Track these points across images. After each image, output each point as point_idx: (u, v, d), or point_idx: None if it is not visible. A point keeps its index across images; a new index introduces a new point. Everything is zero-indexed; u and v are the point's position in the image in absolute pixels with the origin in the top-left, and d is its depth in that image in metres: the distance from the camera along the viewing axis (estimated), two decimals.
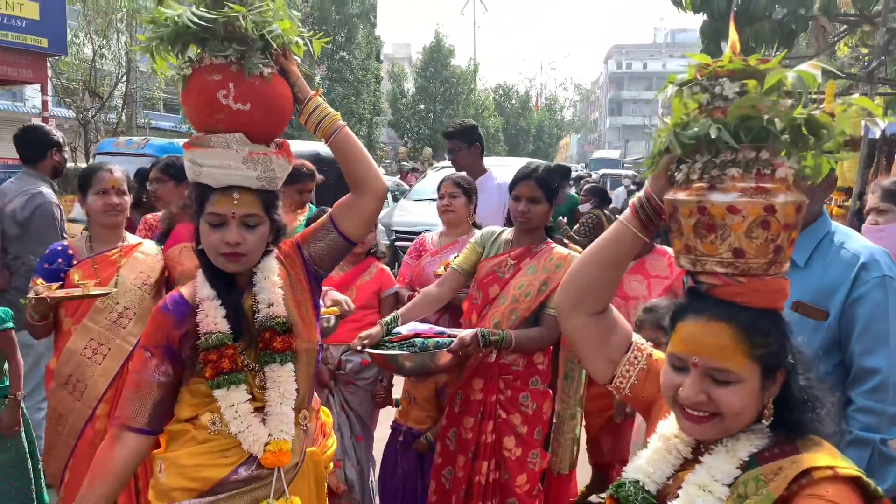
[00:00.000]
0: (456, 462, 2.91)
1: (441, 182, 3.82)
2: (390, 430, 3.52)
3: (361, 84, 17.76)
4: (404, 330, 2.87)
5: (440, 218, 3.82)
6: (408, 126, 25.90)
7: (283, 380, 1.80)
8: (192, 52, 1.76)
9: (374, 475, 3.61)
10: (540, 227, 2.95)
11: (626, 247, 1.41)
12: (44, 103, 10.36)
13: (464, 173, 3.89)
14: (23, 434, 3.07)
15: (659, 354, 1.44)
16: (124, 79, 15.76)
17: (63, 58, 12.58)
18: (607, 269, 1.43)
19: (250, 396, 1.77)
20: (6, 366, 3.05)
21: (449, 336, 2.79)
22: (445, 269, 3.36)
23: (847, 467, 1.14)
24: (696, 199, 1.20)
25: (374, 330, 2.87)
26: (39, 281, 2.54)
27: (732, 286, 1.21)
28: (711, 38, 6.40)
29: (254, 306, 1.81)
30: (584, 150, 60.16)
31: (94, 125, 15.59)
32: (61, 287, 2.57)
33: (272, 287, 1.83)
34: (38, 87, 10.72)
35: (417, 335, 2.82)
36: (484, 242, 3.07)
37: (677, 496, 1.23)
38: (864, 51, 8.33)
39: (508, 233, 3.04)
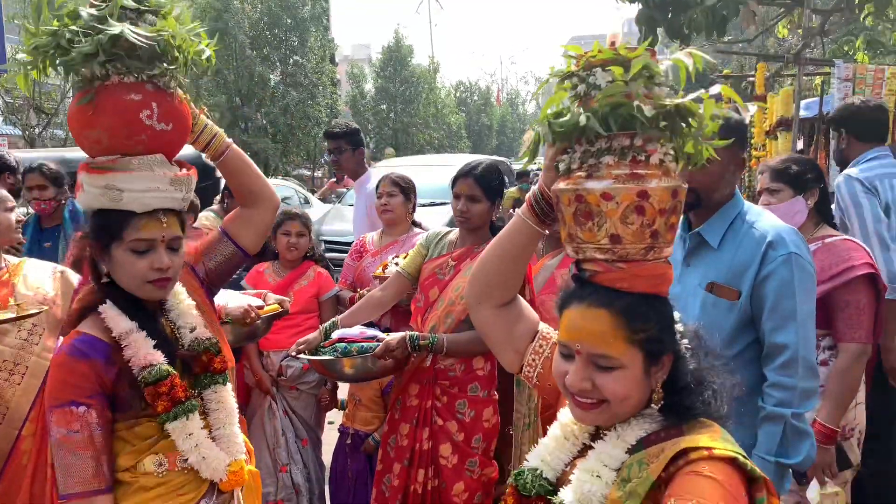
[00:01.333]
0: (392, 469, 2.85)
1: (379, 181, 3.80)
2: (338, 434, 3.52)
3: (317, 87, 17.64)
4: (336, 336, 2.83)
5: (379, 217, 3.82)
6: (369, 127, 25.83)
7: (225, 400, 1.77)
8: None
9: (325, 479, 3.61)
10: (482, 226, 2.87)
11: (524, 239, 1.43)
12: None
13: (398, 173, 3.88)
14: None
15: None
16: (70, 94, 15.45)
17: (5, 75, 12.30)
18: (508, 262, 1.45)
19: (203, 421, 1.73)
20: None
21: (379, 340, 2.73)
22: (384, 269, 3.35)
23: (724, 448, 1.15)
24: (574, 188, 1.23)
25: (312, 335, 2.83)
26: None
27: (612, 272, 1.23)
28: (648, 27, 6.49)
29: (174, 332, 1.76)
30: None
31: (41, 142, 15.28)
32: None
33: (188, 310, 1.79)
34: None
35: (342, 340, 2.78)
36: (429, 244, 3.01)
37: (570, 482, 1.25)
38: (785, 33, 8.49)
39: (454, 233, 2.98)
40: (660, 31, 6.76)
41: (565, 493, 1.24)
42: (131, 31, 1.56)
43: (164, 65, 1.64)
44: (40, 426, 2.60)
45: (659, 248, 1.23)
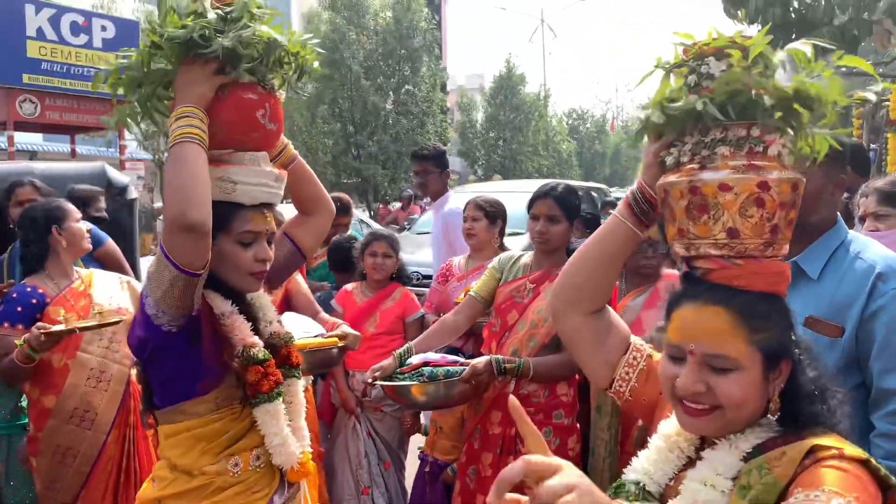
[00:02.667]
0: (475, 502, 2.76)
1: (465, 204, 3.77)
2: (419, 460, 3.45)
3: (427, 116, 18.04)
4: (416, 360, 2.77)
5: (466, 242, 3.76)
6: (478, 154, 26.07)
7: (297, 394, 1.82)
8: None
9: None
10: (560, 247, 2.82)
11: (620, 242, 1.37)
12: (121, 148, 11.04)
13: (489, 196, 3.82)
14: None
15: (658, 356, 1.38)
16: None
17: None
18: (603, 265, 1.39)
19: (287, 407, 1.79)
20: (25, 402, 3.10)
21: (462, 364, 2.68)
22: (465, 295, 3.31)
23: (854, 450, 1.06)
24: (688, 180, 1.17)
25: (387, 362, 2.77)
26: (11, 326, 2.59)
27: (729, 269, 1.16)
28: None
29: (255, 324, 1.78)
30: None
31: None
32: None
33: (268, 304, 1.84)
34: (116, 132, 11.44)
35: (426, 364, 2.72)
36: (502, 267, 2.96)
37: (679, 494, 1.16)
38: None
39: (528, 256, 2.93)
40: None
41: None
42: (274, 36, 1.67)
43: (281, 69, 1.74)
44: (121, 432, 2.72)
45: (778, 244, 1.17)
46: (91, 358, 2.68)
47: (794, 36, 6.45)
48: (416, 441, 3.84)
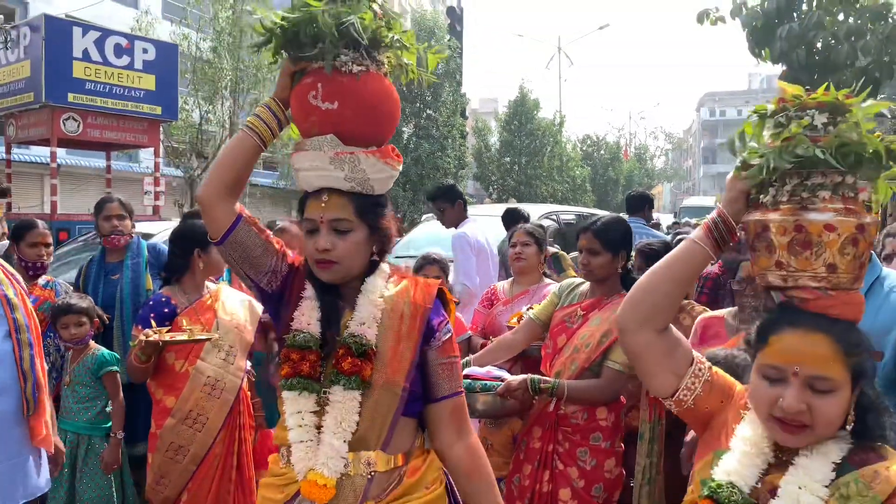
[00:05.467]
0: None
1: (513, 231, 3.99)
2: None
3: (447, 140, 18.32)
4: (464, 373, 2.91)
5: (511, 267, 3.96)
6: (493, 178, 26.25)
7: (343, 407, 1.62)
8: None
9: None
10: (606, 277, 2.95)
11: (696, 265, 1.50)
12: (156, 164, 11.31)
13: (534, 223, 4.05)
14: (121, 473, 3.36)
15: (717, 369, 1.54)
16: (227, 140, 16.96)
17: (173, 123, 13.71)
18: (678, 286, 1.50)
19: (317, 410, 1.65)
20: (109, 407, 3.36)
21: (502, 380, 2.84)
22: (518, 320, 3.44)
23: None
24: (793, 219, 1.33)
25: None
26: (143, 329, 2.85)
27: (824, 299, 1.32)
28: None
29: (346, 322, 1.71)
30: (678, 198, 58.78)
31: (199, 183, 16.74)
32: (169, 332, 2.88)
33: (370, 306, 1.70)
34: (150, 149, 11.72)
35: (467, 377, 2.85)
36: (561, 293, 3.13)
37: (772, 497, 1.32)
38: None
39: (586, 285, 3.07)
40: None
41: None
42: (274, 14, 1.67)
43: (319, 45, 1.63)
44: (228, 434, 2.94)
45: (861, 278, 1.35)
46: (208, 367, 2.93)
47: (815, 77, 6.66)
48: None
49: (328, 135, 1.67)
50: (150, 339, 2.76)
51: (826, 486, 1.28)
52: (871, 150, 1.31)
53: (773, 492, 1.33)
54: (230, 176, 1.72)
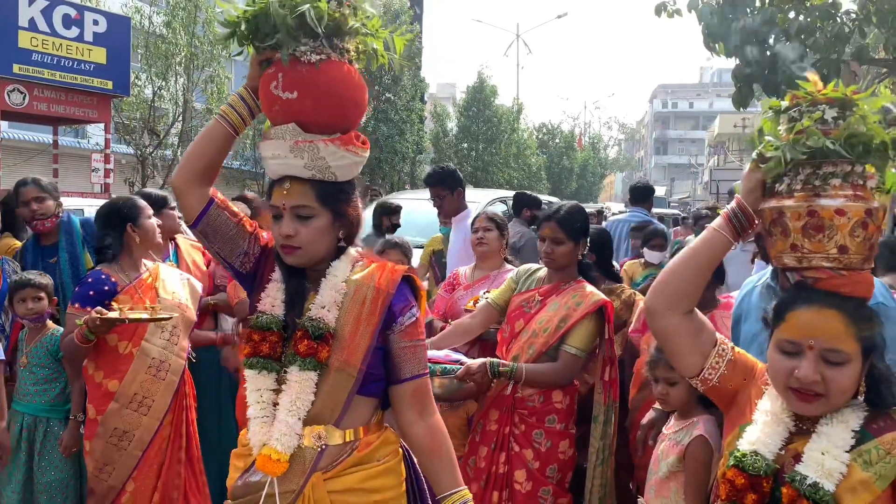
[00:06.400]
0: (469, 489, 2.97)
1: (475, 217, 4.02)
2: None
3: (405, 124, 18.25)
4: None
5: (473, 251, 4.00)
6: (450, 164, 26.17)
7: (298, 386, 1.69)
8: None
9: None
10: (567, 265, 3.02)
11: (718, 251, 1.60)
12: (106, 141, 11.00)
13: (495, 209, 4.07)
14: (79, 455, 3.24)
15: (739, 349, 1.65)
16: (181, 118, 16.53)
17: (125, 98, 13.33)
18: (702, 272, 1.61)
19: (276, 388, 1.73)
20: (68, 389, 3.26)
21: (461, 364, 2.86)
22: (475, 304, 3.49)
23: None
24: (807, 205, 1.44)
25: None
26: (83, 307, 2.75)
27: (836, 278, 1.43)
28: (744, 83, 6.53)
29: (309, 305, 1.76)
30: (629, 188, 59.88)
31: (151, 161, 16.35)
32: (131, 309, 2.78)
33: (332, 290, 1.75)
34: (101, 125, 11.39)
35: (429, 360, 2.92)
36: (519, 279, 3.17)
37: (796, 462, 1.43)
38: (888, 94, 8.34)
39: (544, 271, 3.12)
40: (756, 86, 6.79)
41: (805, 469, 1.40)
42: (234, 6, 1.71)
43: (278, 35, 1.66)
44: (176, 417, 2.91)
45: (871, 259, 1.46)
46: (153, 348, 2.85)
47: (766, 72, 6.86)
48: None
49: (290, 124, 1.70)
50: (109, 316, 2.67)
51: (847, 452, 1.39)
52: (878, 141, 1.42)
53: (796, 458, 1.44)
54: (202, 163, 1.79)
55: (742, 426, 1.54)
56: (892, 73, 7.89)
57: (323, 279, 1.77)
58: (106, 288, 2.87)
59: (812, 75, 1.54)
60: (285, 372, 1.71)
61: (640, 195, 6.89)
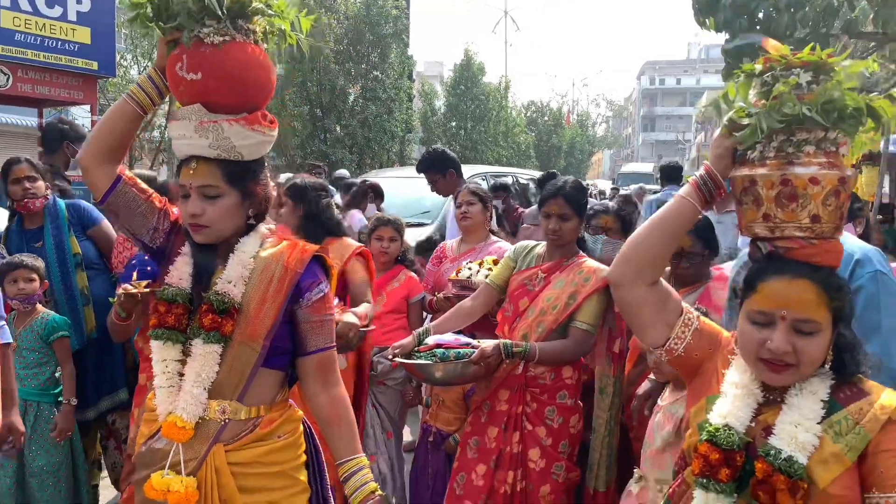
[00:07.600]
0: (475, 470, 2.92)
1: (459, 191, 4.05)
2: (421, 430, 3.68)
3: (394, 102, 18.09)
4: (431, 341, 2.95)
5: (458, 225, 4.02)
6: (439, 142, 26.17)
7: (203, 359, 1.74)
8: None
9: (406, 470, 3.78)
10: (571, 242, 3.00)
11: (687, 220, 1.57)
12: (92, 123, 10.84)
13: (476, 183, 4.11)
14: (71, 439, 3.27)
15: (705, 318, 1.62)
16: (167, 99, 16.32)
17: (110, 79, 13.15)
18: (668, 240, 1.58)
19: (182, 359, 1.78)
20: (59, 372, 3.26)
21: (473, 347, 2.85)
22: (457, 273, 3.54)
23: None
24: (780, 173, 1.40)
25: (406, 340, 2.97)
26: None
27: (808, 248, 1.41)
28: (734, 57, 6.54)
29: (216, 280, 1.80)
30: (617, 165, 59.83)
31: (138, 143, 16.19)
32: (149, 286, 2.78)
33: (239, 266, 1.80)
34: (86, 106, 11.24)
35: (439, 346, 2.89)
36: (517, 256, 3.13)
37: (767, 435, 1.40)
38: (894, 67, 8.39)
39: (541, 247, 3.09)
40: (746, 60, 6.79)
41: (777, 443, 1.38)
42: None
43: (179, 18, 1.70)
44: None
45: (841, 228, 1.44)
46: None
47: (758, 46, 6.86)
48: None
49: (195, 104, 1.74)
50: (130, 292, 2.69)
51: (818, 423, 1.37)
52: (852, 107, 1.39)
53: (766, 430, 1.42)
54: (109, 141, 1.82)
55: (709, 398, 1.51)
56: (881, 47, 7.92)
57: (231, 255, 1.81)
58: (148, 268, 2.89)
59: (774, 42, 1.50)
60: (191, 344, 1.77)
61: (672, 174, 7.55)
